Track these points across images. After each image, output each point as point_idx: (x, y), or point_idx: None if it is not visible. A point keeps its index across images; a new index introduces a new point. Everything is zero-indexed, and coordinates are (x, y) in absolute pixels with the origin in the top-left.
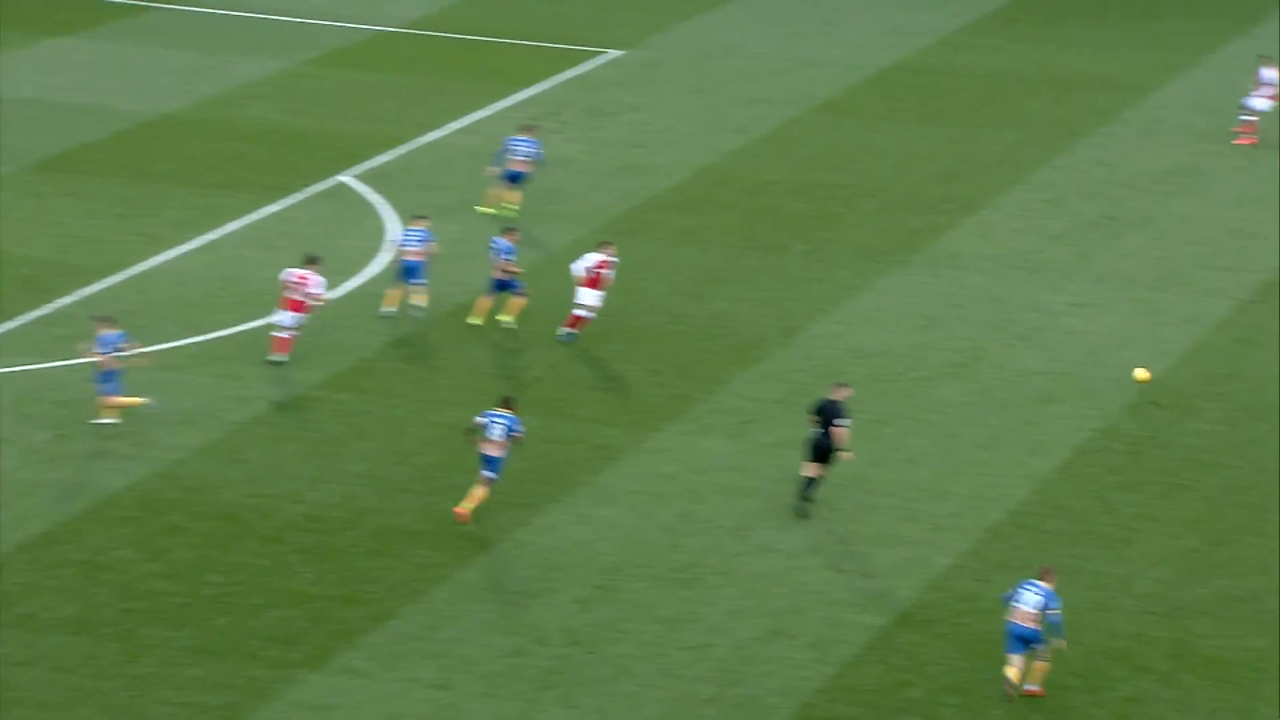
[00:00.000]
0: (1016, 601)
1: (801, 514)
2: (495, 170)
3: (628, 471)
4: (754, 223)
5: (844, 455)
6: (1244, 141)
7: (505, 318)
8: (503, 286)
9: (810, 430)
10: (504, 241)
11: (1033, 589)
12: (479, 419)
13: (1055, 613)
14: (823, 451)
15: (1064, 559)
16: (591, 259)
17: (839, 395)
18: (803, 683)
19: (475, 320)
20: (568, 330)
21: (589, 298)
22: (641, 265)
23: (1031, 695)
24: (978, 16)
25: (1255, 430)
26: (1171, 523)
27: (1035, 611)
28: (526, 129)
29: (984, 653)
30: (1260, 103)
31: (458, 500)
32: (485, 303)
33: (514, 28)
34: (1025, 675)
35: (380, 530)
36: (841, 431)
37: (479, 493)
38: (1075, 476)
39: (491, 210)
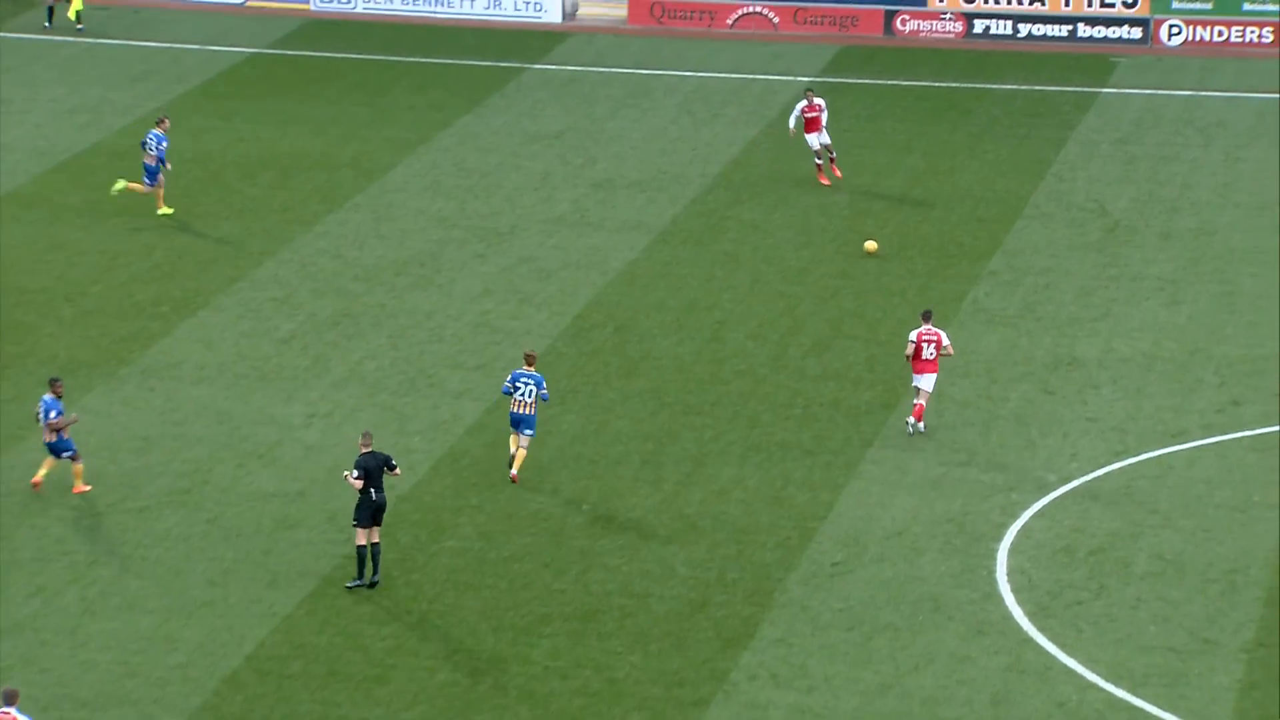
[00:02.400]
0: (516, 394)
1: (375, 583)
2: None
3: None
4: None
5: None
6: (836, 173)
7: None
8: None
9: (368, 492)
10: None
11: (526, 379)
12: None
13: (545, 391)
14: (381, 512)
15: (309, 705)
16: None
17: (368, 444)
18: None
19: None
20: None
21: None
22: None
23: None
24: (181, 92)
25: (512, 545)
26: (427, 655)
27: (532, 400)
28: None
29: None
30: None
31: None
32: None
33: None
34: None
35: None
36: (397, 472)
37: None
38: (321, 611)
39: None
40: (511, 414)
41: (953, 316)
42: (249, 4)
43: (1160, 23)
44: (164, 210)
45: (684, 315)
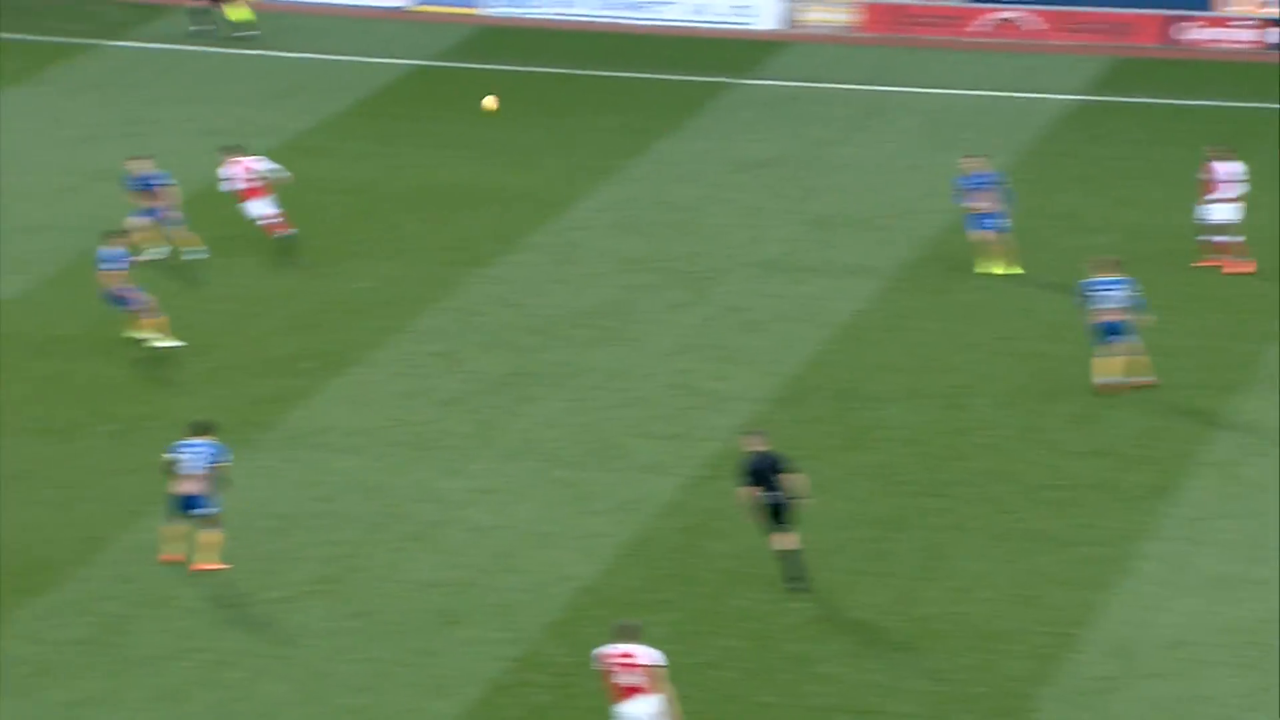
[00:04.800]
0: (1095, 303)
1: (801, 589)
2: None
3: None
4: (44, 395)
5: (804, 503)
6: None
7: None
8: None
9: (758, 496)
10: None
11: (1114, 284)
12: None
13: (1138, 296)
14: (783, 511)
15: None
16: None
17: (760, 444)
18: None
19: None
20: None
21: None
22: None
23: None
24: (333, 113)
25: (712, 648)
26: None
27: (1120, 306)
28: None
29: None
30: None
31: None
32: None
33: None
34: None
35: None
36: (797, 477)
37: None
38: None
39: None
40: (1102, 325)
41: (1240, 383)
42: (411, 8)
43: None
44: (999, 270)
45: (918, 377)
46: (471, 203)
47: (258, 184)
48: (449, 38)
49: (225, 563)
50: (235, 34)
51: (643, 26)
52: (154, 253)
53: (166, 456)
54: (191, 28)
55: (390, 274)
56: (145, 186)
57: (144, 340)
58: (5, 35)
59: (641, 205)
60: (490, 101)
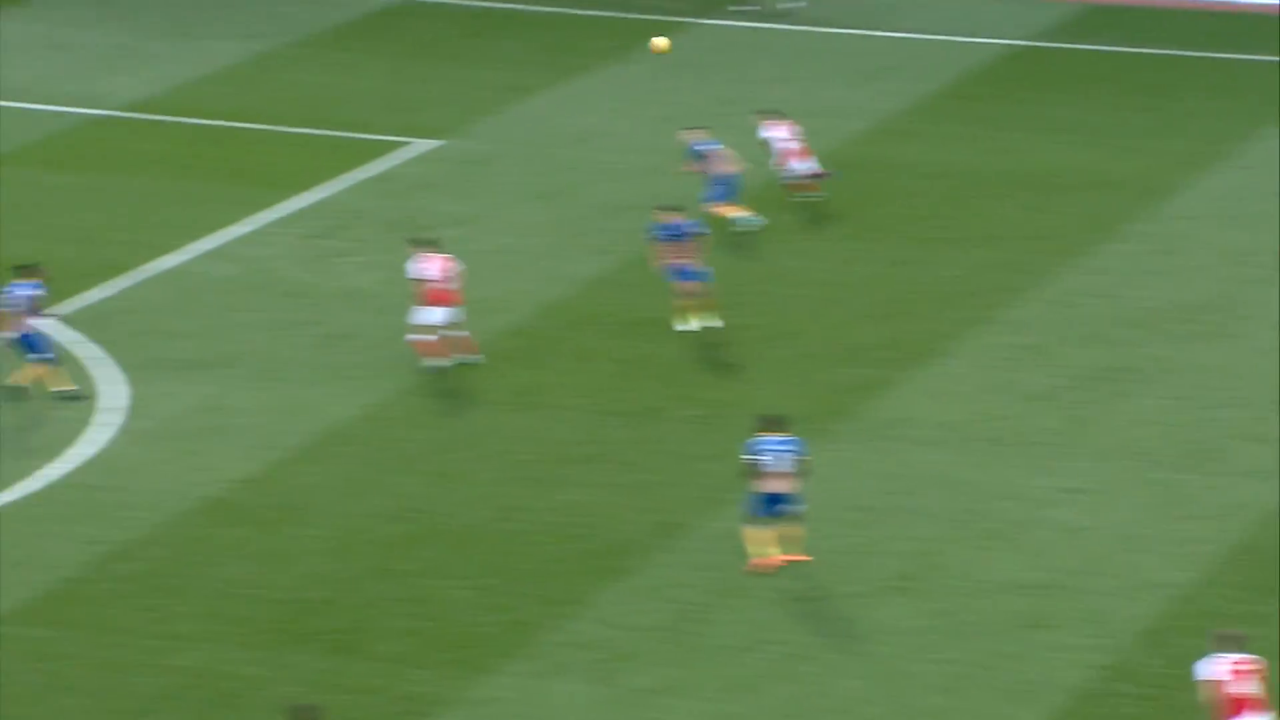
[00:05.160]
0: None
1: None
2: None
3: None
4: (622, 379)
5: None
6: None
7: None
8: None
9: None
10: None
11: None
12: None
13: None
14: None
15: None
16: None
17: None
18: None
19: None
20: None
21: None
22: (464, 439)
23: None
24: (928, 94)
25: None
26: None
27: None
28: None
29: None
30: None
31: None
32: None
33: (279, 111)
34: None
35: None
36: None
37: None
38: None
39: None
40: None
41: None
42: None
43: None
44: None
45: None
46: (1068, 189)
47: (800, 146)
48: (1051, 17)
49: (807, 555)
50: (780, 8)
51: (1259, 6)
52: (746, 224)
53: (748, 457)
54: (731, 6)
55: (979, 262)
56: (696, 157)
57: (697, 325)
58: (597, 13)
59: (1252, 195)
60: (661, 42)
